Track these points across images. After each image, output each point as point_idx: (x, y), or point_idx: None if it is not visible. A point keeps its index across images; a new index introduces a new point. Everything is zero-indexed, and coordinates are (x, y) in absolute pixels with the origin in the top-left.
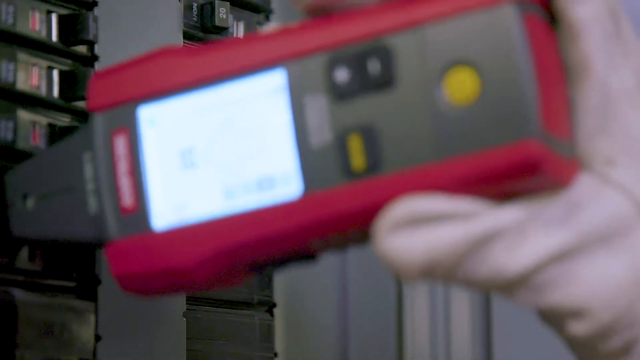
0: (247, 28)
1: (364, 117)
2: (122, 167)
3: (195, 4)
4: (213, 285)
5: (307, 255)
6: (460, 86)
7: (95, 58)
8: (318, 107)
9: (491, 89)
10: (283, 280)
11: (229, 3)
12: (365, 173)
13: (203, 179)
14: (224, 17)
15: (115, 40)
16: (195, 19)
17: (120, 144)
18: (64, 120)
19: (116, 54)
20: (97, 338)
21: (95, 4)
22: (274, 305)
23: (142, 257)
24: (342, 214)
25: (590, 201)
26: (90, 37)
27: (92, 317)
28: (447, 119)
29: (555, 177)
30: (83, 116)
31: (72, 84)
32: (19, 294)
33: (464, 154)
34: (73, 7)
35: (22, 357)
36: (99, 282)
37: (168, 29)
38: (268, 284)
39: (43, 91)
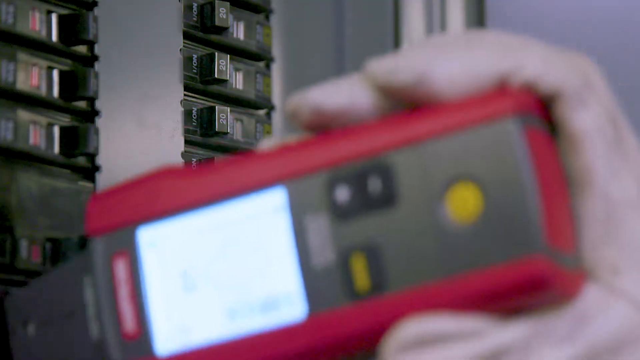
0: (247, 28)
1: (367, 236)
2: (123, 291)
3: (195, 4)
4: None
5: None
6: (463, 203)
7: (95, 58)
8: (320, 226)
9: (494, 205)
10: None
11: (229, 3)
12: (369, 293)
13: (205, 301)
14: (224, 17)
15: (115, 40)
16: (195, 19)
17: (121, 268)
18: (64, 120)
19: (116, 54)
20: None
21: (95, 4)
22: None
23: None
24: (348, 335)
25: (597, 313)
26: (90, 37)
27: None
28: (451, 237)
29: (562, 291)
30: (83, 116)
31: (72, 84)
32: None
33: (469, 272)
34: (73, 7)
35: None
36: None
37: (168, 29)
38: None
39: (43, 91)
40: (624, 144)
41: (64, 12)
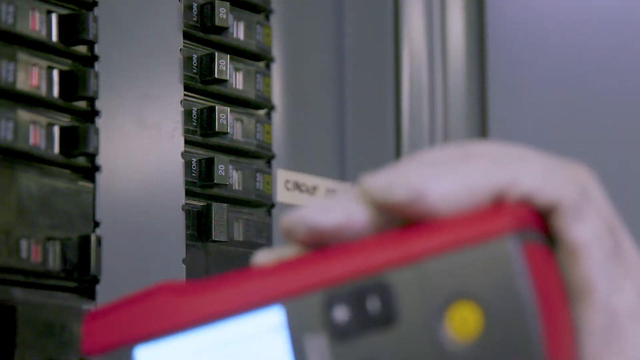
0: (247, 28)
1: (366, 357)
2: None
3: (195, 4)
4: None
5: None
6: (463, 321)
7: (95, 58)
8: (318, 346)
9: (495, 323)
10: None
11: (229, 3)
12: None
13: None
14: (224, 17)
15: (115, 40)
16: (195, 19)
17: None
18: (64, 120)
19: (116, 54)
20: None
21: (95, 4)
22: None
23: None
24: None
25: None
26: (90, 37)
27: None
28: (451, 357)
29: None
30: (83, 116)
31: (72, 84)
32: (19, 294)
33: None
34: (73, 7)
35: (22, 357)
36: (97, 281)
37: (168, 29)
38: None
39: (43, 91)
40: (623, 254)
41: (64, 12)
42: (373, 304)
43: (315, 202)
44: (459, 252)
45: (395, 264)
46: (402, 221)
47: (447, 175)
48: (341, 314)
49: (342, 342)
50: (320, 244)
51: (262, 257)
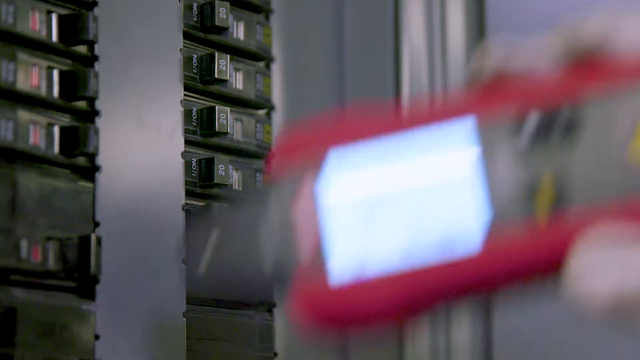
0: (247, 28)
1: (550, 171)
2: (304, 220)
3: (195, 4)
4: (390, 333)
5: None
6: None
7: (95, 58)
8: (507, 160)
9: None
10: None
11: (229, 3)
12: (549, 225)
13: (384, 233)
14: (224, 17)
15: (115, 40)
16: (195, 19)
17: (303, 199)
18: (64, 120)
19: (116, 54)
20: (96, 337)
21: (95, 4)
22: (274, 305)
23: (324, 310)
24: (525, 265)
25: None
26: (90, 37)
27: (91, 317)
28: (635, 175)
29: None
30: (83, 116)
31: (72, 84)
32: (19, 294)
33: None
34: (73, 7)
35: (22, 357)
36: (97, 281)
37: (168, 29)
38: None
39: (43, 91)
40: None
41: (64, 12)
42: (561, 121)
43: (501, 45)
44: None
45: (586, 88)
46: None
47: (636, 20)
48: (531, 129)
49: (529, 157)
50: (504, 78)
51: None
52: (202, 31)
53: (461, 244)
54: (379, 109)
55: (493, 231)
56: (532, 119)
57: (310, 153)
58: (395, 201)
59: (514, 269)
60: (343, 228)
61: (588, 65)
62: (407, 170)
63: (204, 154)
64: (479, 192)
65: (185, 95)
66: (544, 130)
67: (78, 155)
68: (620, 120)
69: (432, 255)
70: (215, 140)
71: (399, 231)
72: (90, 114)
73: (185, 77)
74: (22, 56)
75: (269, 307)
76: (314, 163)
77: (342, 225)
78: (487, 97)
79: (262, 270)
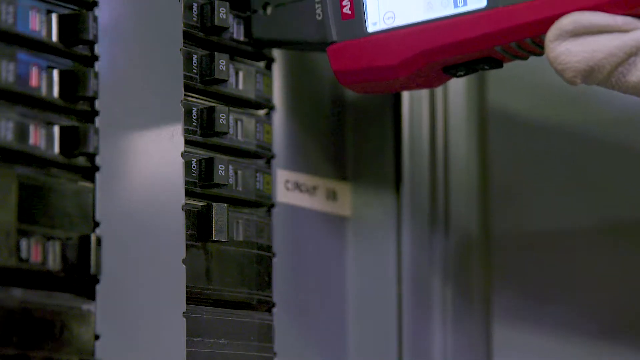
0: (247, 28)
1: None
2: None
3: (195, 4)
4: (412, 84)
5: (493, 60)
6: None
7: (95, 58)
8: None
9: None
10: (283, 280)
11: (228, 3)
12: None
13: None
14: (224, 17)
15: (115, 41)
16: (195, 19)
17: None
18: (64, 120)
19: (116, 54)
20: (96, 337)
21: (95, 4)
22: (274, 305)
23: (356, 56)
24: (519, 25)
25: None
26: (90, 37)
27: (91, 317)
28: None
29: None
30: (83, 116)
31: (72, 84)
32: (19, 293)
33: None
34: (73, 7)
35: (22, 357)
36: (97, 281)
37: (168, 29)
38: (268, 284)
39: (43, 91)
40: None
41: (64, 12)
42: None
43: None
44: None
45: None
46: None
47: None
48: None
49: None
50: None
51: None
52: (202, 31)
53: (471, 4)
54: None
55: None
56: None
57: None
58: None
59: (512, 27)
60: None
61: None
62: None
63: (204, 154)
64: None
65: (185, 95)
66: None
67: (78, 155)
68: None
69: (447, 12)
70: (215, 140)
71: None
72: (90, 114)
73: (185, 77)
74: (22, 56)
75: (269, 307)
76: None
77: None
78: None
79: (313, 19)
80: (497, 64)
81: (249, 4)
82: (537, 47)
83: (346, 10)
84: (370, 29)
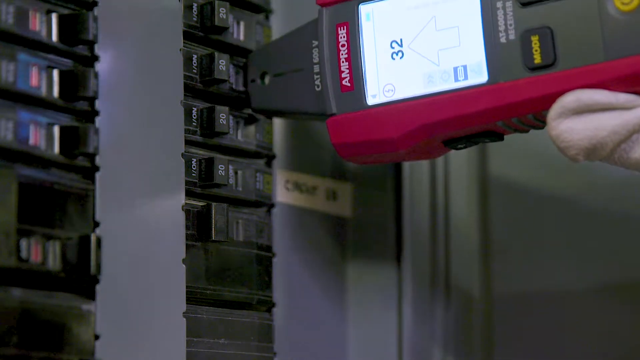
0: (247, 28)
1: (544, 21)
2: (343, 53)
3: (195, 4)
4: (412, 156)
5: (493, 134)
6: None
7: (95, 58)
8: (506, 10)
9: None
10: (283, 280)
11: (228, 3)
12: (543, 68)
13: (408, 66)
14: (224, 17)
15: (115, 40)
16: (195, 19)
17: (343, 35)
18: (64, 120)
19: (116, 54)
20: (96, 337)
21: (95, 4)
22: (274, 305)
23: (356, 129)
24: (521, 101)
25: None
26: (90, 37)
27: (91, 317)
28: (613, 26)
29: None
30: (83, 116)
31: (72, 84)
32: (19, 294)
33: (628, 55)
34: (73, 7)
35: (22, 357)
36: (97, 281)
37: (168, 29)
38: (268, 284)
39: (43, 91)
40: None
41: (64, 12)
42: None
43: None
44: None
45: None
46: None
47: None
48: None
49: (526, 7)
50: None
51: None
52: (202, 31)
53: (471, 79)
54: None
55: (498, 70)
56: None
57: None
58: (417, 43)
59: (512, 103)
60: (376, 62)
61: None
62: (426, 18)
63: (204, 154)
64: (484, 39)
65: (185, 95)
66: None
67: (78, 155)
68: None
69: (448, 87)
70: (215, 140)
71: (421, 67)
72: (90, 114)
73: (185, 77)
74: (22, 56)
75: (269, 307)
76: (351, 8)
77: (375, 60)
78: None
79: (312, 90)
80: (498, 137)
81: (246, 75)
82: (539, 122)
83: (346, 82)
84: (370, 101)
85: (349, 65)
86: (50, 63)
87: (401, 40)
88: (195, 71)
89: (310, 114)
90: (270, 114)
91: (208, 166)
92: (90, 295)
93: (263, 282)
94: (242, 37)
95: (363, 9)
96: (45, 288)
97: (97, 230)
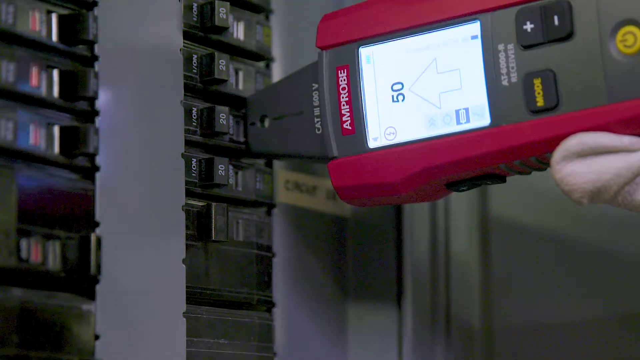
0: (247, 28)
1: (547, 64)
2: (344, 96)
3: (195, 4)
4: (414, 199)
5: (496, 176)
6: (628, 41)
7: (95, 58)
8: (507, 53)
9: None
10: (283, 280)
11: (228, 3)
12: (545, 111)
13: (410, 109)
14: (224, 17)
15: (115, 40)
16: (195, 19)
17: (343, 78)
18: (64, 120)
19: (116, 54)
20: (96, 337)
21: (95, 4)
22: (274, 305)
23: (357, 172)
24: (524, 144)
25: None
26: (90, 37)
27: (91, 317)
28: (617, 68)
29: None
30: (83, 116)
31: (72, 84)
32: (19, 293)
33: (631, 98)
34: (73, 7)
35: (22, 357)
36: (97, 281)
37: (168, 29)
38: (268, 284)
39: (43, 91)
40: None
41: (64, 12)
42: (555, 20)
43: None
44: None
45: None
46: None
47: None
48: (528, 26)
49: (527, 50)
50: None
51: None
52: (202, 31)
53: (474, 122)
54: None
55: (500, 113)
56: (529, 22)
57: (348, 40)
58: (418, 86)
59: (515, 146)
60: (377, 105)
61: None
62: (427, 61)
63: (204, 154)
64: (486, 82)
65: (185, 95)
66: (539, 32)
67: (78, 155)
68: (605, 20)
69: (450, 130)
70: (215, 140)
71: (422, 109)
72: (90, 114)
73: (185, 77)
74: (22, 56)
75: (269, 307)
76: (351, 51)
77: (376, 103)
78: None
79: (313, 133)
80: (501, 179)
81: (246, 117)
82: (542, 164)
83: (347, 125)
84: (372, 144)
85: (349, 108)
86: (50, 63)
87: (402, 83)
88: (195, 71)
89: (311, 157)
90: (269, 157)
91: (208, 166)
92: (90, 295)
93: (263, 282)
94: (242, 37)
95: (363, 51)
96: (45, 288)
97: (97, 230)
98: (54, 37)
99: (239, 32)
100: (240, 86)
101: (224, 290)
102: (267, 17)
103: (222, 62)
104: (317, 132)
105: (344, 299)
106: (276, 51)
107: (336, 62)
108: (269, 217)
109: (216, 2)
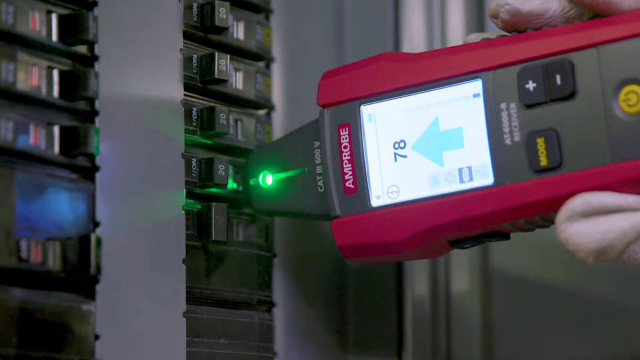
0: (247, 28)
1: (549, 123)
2: (346, 155)
3: (195, 4)
4: (417, 256)
5: (499, 234)
6: (631, 100)
7: (95, 58)
8: (510, 112)
9: None
10: (283, 280)
11: (229, 3)
12: (549, 171)
13: (412, 168)
14: (224, 17)
15: (115, 40)
16: (195, 19)
17: (345, 136)
18: (64, 120)
19: (116, 54)
20: (96, 337)
21: (95, 4)
22: (274, 305)
23: (361, 231)
24: (528, 203)
25: None
26: (90, 37)
27: (91, 317)
28: (620, 128)
29: None
30: (83, 116)
31: (72, 84)
32: (19, 293)
33: (634, 158)
34: (73, 7)
35: (22, 357)
36: (97, 281)
37: (168, 29)
38: (268, 284)
39: (43, 91)
40: None
41: (64, 12)
42: (558, 80)
43: None
44: (631, 40)
45: (578, 46)
46: (590, 14)
47: None
48: (530, 86)
49: (530, 109)
50: (518, 28)
51: (472, 38)
52: (202, 31)
53: (477, 181)
54: (407, 56)
55: (503, 172)
56: (531, 81)
57: (349, 98)
58: (420, 144)
59: (519, 206)
60: (379, 164)
61: (583, 22)
62: (429, 119)
63: (204, 154)
64: (488, 141)
65: (185, 95)
66: (541, 91)
67: (78, 155)
68: (607, 80)
69: (453, 189)
70: (215, 140)
71: (425, 169)
72: (90, 114)
73: (185, 77)
74: (22, 56)
75: (269, 307)
76: (352, 109)
77: (378, 161)
78: (494, 51)
79: (315, 191)
80: (504, 237)
81: (247, 173)
82: (545, 222)
83: (349, 184)
84: (374, 203)
85: (352, 166)
86: (50, 63)
87: (404, 140)
88: (195, 71)
89: (314, 216)
90: (272, 214)
91: (208, 166)
92: (90, 295)
93: (263, 282)
94: (242, 37)
95: (365, 109)
96: (45, 288)
97: (97, 230)
98: (54, 37)
99: (239, 32)
100: (240, 86)
101: (224, 290)
102: (267, 17)
103: (222, 62)
104: (320, 190)
105: (344, 299)
106: (276, 51)
107: (338, 120)
108: (269, 217)
109: (216, 2)
